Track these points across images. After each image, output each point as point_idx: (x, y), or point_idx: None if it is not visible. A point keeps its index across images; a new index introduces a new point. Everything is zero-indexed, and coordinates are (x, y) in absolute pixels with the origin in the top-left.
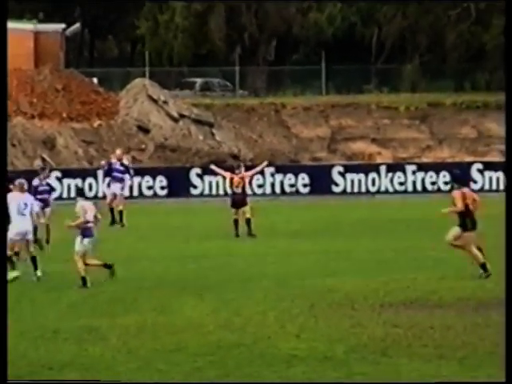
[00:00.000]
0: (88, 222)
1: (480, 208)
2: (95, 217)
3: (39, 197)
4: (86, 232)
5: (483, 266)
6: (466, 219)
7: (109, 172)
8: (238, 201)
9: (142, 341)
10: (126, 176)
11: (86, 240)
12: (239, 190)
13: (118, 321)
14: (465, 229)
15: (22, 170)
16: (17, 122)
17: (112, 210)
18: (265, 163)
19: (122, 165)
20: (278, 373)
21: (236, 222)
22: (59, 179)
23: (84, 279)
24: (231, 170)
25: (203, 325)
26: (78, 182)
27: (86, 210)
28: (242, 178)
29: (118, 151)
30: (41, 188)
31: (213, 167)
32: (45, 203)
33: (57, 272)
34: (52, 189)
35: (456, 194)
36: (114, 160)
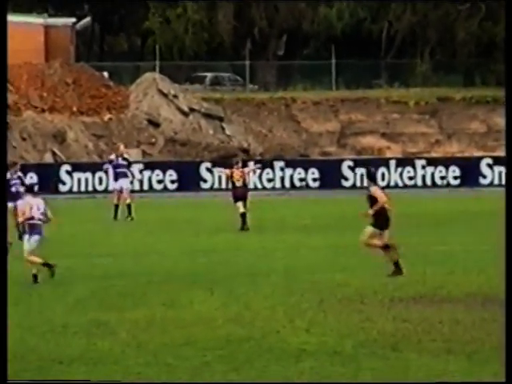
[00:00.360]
0: (33, 217)
1: (393, 206)
2: (44, 214)
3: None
4: (32, 229)
5: (396, 264)
6: (380, 217)
7: (113, 168)
8: (240, 194)
9: (151, 335)
10: (130, 170)
11: (33, 238)
12: (240, 184)
13: (127, 315)
14: (380, 226)
15: (33, 163)
16: (27, 116)
17: (117, 206)
18: (255, 166)
19: (124, 159)
20: (286, 367)
21: (243, 215)
22: (69, 173)
23: (36, 276)
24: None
25: (212, 319)
26: (88, 175)
27: (31, 205)
28: (243, 172)
29: (121, 146)
30: (11, 182)
31: (216, 169)
32: (15, 197)
33: (64, 267)
34: (23, 183)
35: (376, 189)
36: (113, 156)
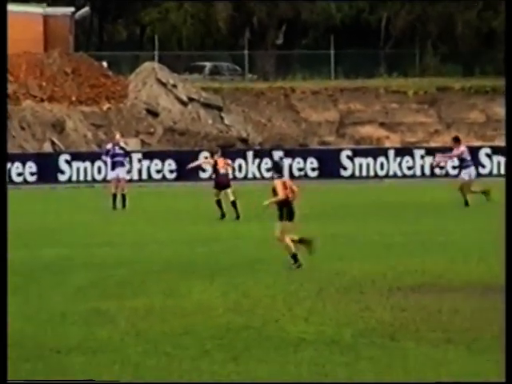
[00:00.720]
0: None
1: (299, 198)
2: None
3: None
4: None
5: (294, 257)
6: (284, 209)
7: (110, 158)
8: (222, 182)
9: (150, 324)
10: (128, 159)
11: None
12: (224, 172)
13: (126, 304)
14: (281, 219)
15: (32, 152)
16: (26, 106)
17: (115, 195)
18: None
19: (121, 148)
20: (285, 356)
21: (219, 202)
22: (68, 162)
23: None
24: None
25: (212, 308)
26: (88, 165)
27: None
28: (226, 161)
29: (117, 135)
30: None
31: (190, 166)
32: None
33: (63, 256)
34: None
35: (277, 182)
36: (109, 146)
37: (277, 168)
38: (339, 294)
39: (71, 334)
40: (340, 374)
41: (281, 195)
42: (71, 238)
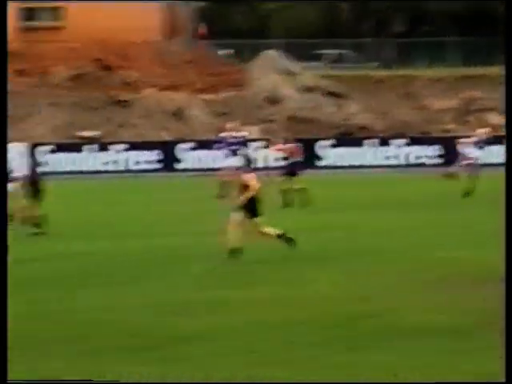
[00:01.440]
0: None
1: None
2: None
3: None
4: None
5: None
6: (256, 203)
7: (224, 146)
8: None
9: (271, 312)
10: (245, 148)
11: None
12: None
13: (246, 293)
14: (254, 215)
15: (152, 141)
16: (148, 94)
17: (225, 183)
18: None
19: (238, 137)
20: (405, 345)
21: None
22: (190, 150)
23: None
24: None
25: (332, 297)
26: (209, 153)
27: None
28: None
29: (234, 124)
30: None
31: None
32: None
33: (182, 245)
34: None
35: (250, 176)
36: (227, 134)
37: (247, 161)
38: (460, 283)
39: (193, 323)
40: (462, 362)
41: (256, 188)
42: (192, 227)
